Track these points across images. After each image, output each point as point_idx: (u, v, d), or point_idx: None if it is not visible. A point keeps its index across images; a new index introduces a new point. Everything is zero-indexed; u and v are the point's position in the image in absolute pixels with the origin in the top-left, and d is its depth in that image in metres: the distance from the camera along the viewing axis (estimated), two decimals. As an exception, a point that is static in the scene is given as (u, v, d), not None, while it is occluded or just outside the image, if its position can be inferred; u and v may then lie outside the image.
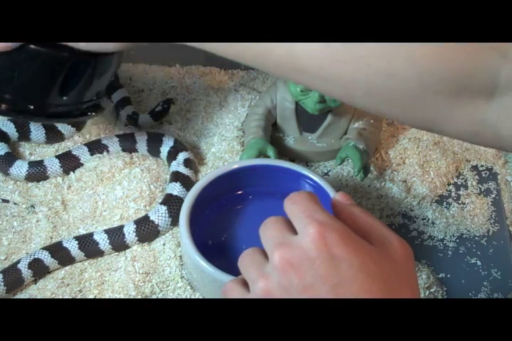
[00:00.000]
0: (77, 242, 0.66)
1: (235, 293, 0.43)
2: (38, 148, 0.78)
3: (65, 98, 0.61)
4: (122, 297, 0.64)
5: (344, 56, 0.46)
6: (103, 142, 0.76)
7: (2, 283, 0.63)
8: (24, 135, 0.76)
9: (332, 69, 0.47)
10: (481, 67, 0.45)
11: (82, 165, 0.75)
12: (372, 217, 0.44)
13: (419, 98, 0.47)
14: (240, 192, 0.69)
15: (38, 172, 0.73)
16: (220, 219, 0.68)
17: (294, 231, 0.42)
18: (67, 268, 0.67)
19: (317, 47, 0.46)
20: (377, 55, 0.45)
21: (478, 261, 0.70)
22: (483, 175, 0.78)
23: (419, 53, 0.45)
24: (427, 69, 0.45)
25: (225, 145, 0.78)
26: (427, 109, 0.48)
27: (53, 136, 0.77)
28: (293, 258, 0.40)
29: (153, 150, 0.76)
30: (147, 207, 0.71)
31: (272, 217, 0.44)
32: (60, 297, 0.64)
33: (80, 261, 0.67)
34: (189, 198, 0.64)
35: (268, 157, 0.73)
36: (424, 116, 0.49)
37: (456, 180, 0.77)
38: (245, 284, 0.43)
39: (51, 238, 0.69)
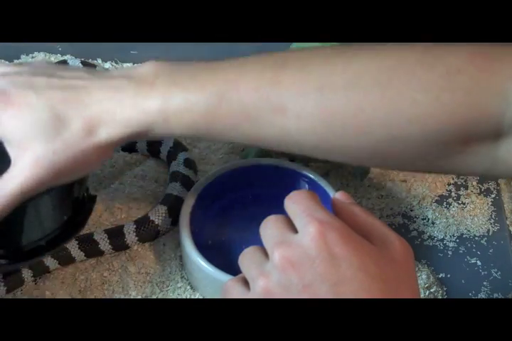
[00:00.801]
0: (77, 242, 0.66)
1: (235, 291, 0.43)
2: (38, 148, 0.78)
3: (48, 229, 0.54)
4: (122, 297, 0.64)
5: (343, 130, 0.45)
6: (103, 142, 0.76)
7: (2, 283, 0.63)
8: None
9: (332, 143, 0.47)
10: (486, 114, 0.44)
11: (82, 165, 0.75)
12: (372, 217, 0.44)
13: (427, 153, 0.47)
14: (240, 192, 0.69)
15: (38, 173, 0.73)
16: (220, 219, 0.68)
17: (295, 230, 0.42)
18: (67, 268, 0.67)
19: (311, 125, 0.45)
20: (378, 123, 0.45)
21: (478, 261, 0.70)
22: (483, 175, 0.78)
23: (422, 113, 0.44)
24: (431, 128, 0.44)
25: (225, 146, 0.78)
26: (436, 160, 0.48)
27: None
28: (293, 257, 0.40)
29: (153, 150, 0.76)
30: (147, 207, 0.71)
31: (273, 216, 0.44)
32: (60, 297, 0.64)
33: (80, 261, 0.67)
34: (189, 198, 0.64)
35: (268, 157, 0.73)
36: (435, 165, 0.49)
37: (456, 180, 0.77)
38: (245, 282, 0.43)
39: (51, 238, 0.69)
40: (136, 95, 0.47)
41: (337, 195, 0.46)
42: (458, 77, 0.44)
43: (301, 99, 0.45)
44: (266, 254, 0.42)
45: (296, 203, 0.43)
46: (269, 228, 0.43)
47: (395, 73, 0.44)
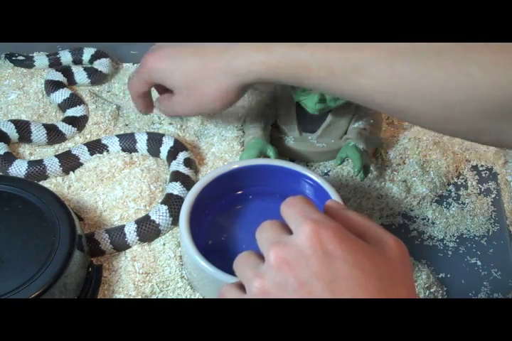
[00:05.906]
0: (77, 242, 0.66)
1: (232, 294, 0.43)
2: (38, 148, 0.78)
3: None
4: (122, 297, 0.64)
5: (405, 91, 0.52)
6: (103, 142, 0.76)
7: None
8: (25, 136, 0.76)
9: (399, 103, 0.54)
10: None
11: (81, 165, 0.75)
12: (366, 218, 0.45)
13: (480, 123, 0.52)
14: (239, 192, 0.69)
15: (37, 172, 0.73)
16: (220, 219, 0.68)
17: (290, 233, 0.42)
18: (67, 268, 0.66)
19: (381, 84, 0.53)
20: (436, 87, 0.51)
21: (478, 261, 0.70)
22: (483, 175, 0.78)
23: (472, 83, 0.49)
24: (475, 96, 0.49)
25: (225, 145, 0.78)
26: (491, 131, 0.52)
27: (55, 136, 0.77)
28: (288, 256, 0.40)
29: (153, 150, 0.76)
30: (147, 207, 0.71)
31: (268, 221, 0.44)
32: (60, 297, 0.64)
33: (80, 261, 0.67)
34: (189, 198, 0.64)
35: (268, 157, 0.73)
36: (490, 137, 0.54)
37: (456, 180, 0.77)
38: (242, 287, 0.43)
39: (51, 238, 0.68)
40: (244, 51, 0.60)
41: (328, 203, 0.47)
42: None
43: (377, 61, 0.53)
44: (260, 258, 0.43)
45: (291, 207, 0.44)
46: (265, 231, 0.44)
47: (454, 50, 0.50)
